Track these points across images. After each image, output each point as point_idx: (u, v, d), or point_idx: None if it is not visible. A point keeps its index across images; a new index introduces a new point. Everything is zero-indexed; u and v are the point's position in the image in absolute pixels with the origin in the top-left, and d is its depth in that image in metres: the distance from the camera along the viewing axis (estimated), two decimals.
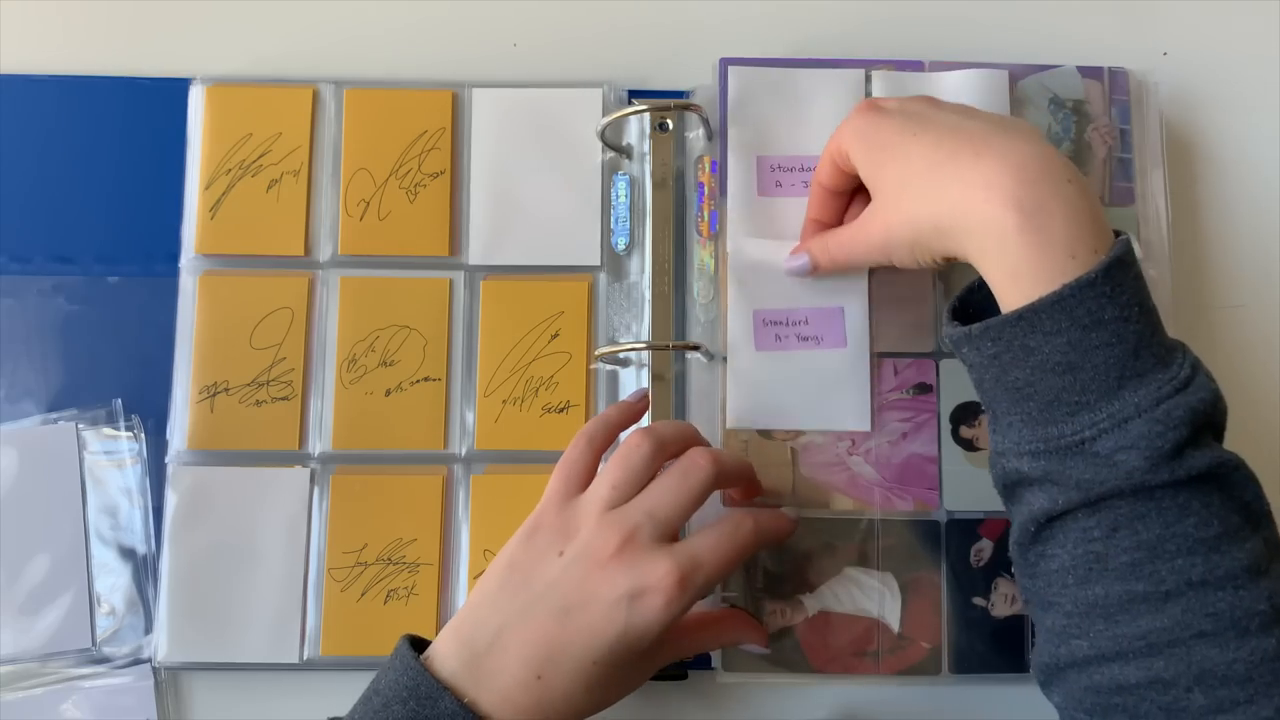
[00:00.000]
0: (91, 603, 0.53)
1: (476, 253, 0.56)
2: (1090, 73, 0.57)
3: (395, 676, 0.43)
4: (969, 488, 0.53)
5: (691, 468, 0.46)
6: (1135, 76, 0.58)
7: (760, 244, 0.54)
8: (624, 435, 0.48)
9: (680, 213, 0.56)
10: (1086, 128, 0.57)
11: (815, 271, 0.52)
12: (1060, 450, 0.40)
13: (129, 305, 0.56)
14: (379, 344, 0.55)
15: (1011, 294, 0.41)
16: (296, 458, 0.55)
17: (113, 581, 0.53)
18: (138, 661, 0.53)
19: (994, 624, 0.53)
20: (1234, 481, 0.40)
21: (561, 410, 0.55)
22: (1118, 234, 0.42)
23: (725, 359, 0.54)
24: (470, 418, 0.55)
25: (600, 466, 0.47)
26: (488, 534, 0.54)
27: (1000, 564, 0.53)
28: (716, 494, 0.51)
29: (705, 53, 0.57)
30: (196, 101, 0.57)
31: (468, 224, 0.57)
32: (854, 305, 0.54)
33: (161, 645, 0.52)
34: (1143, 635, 0.39)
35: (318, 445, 0.55)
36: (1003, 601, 0.53)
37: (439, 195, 0.57)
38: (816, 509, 0.53)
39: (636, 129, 0.57)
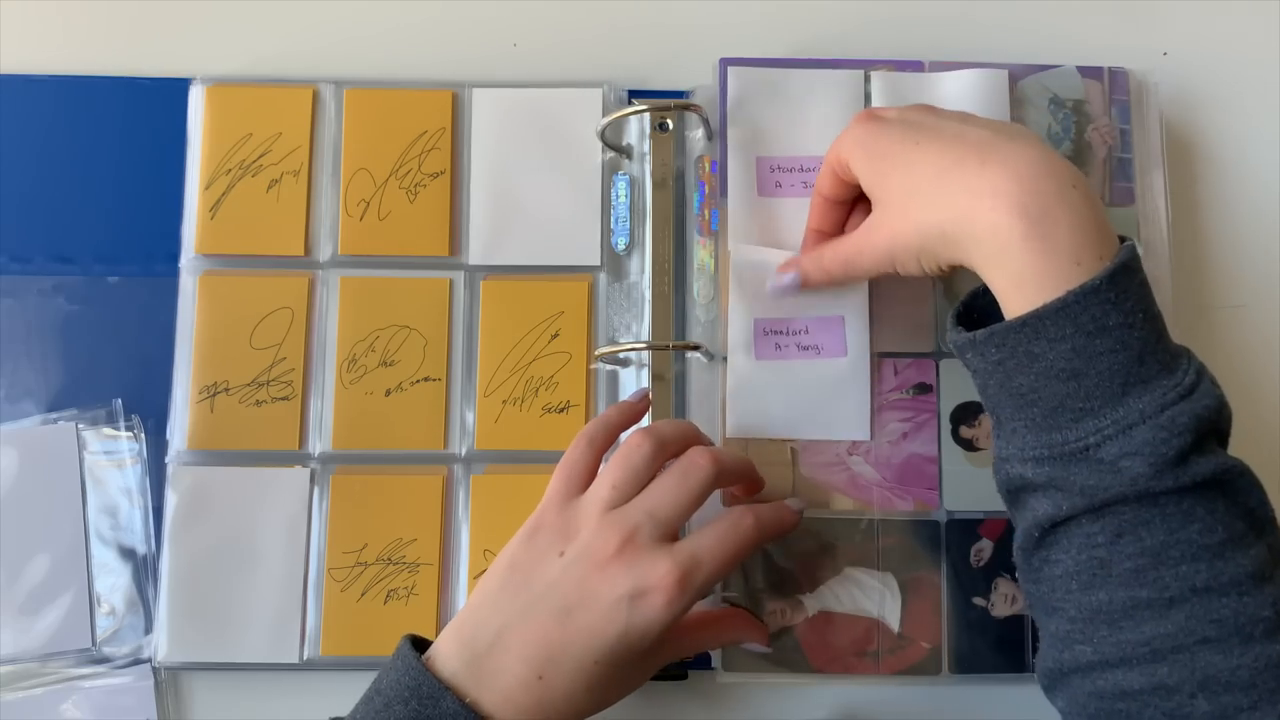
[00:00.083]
0: (91, 603, 0.53)
1: (476, 253, 0.56)
2: (1090, 73, 0.57)
3: (397, 677, 0.43)
4: (969, 488, 0.53)
5: (692, 467, 0.46)
6: (1135, 76, 0.58)
7: (761, 251, 0.54)
8: (625, 435, 0.48)
9: (680, 213, 0.56)
10: (1086, 128, 0.57)
11: (805, 287, 0.52)
12: (1064, 456, 0.40)
13: (129, 305, 0.56)
14: (379, 344, 0.55)
15: (1016, 300, 0.41)
16: (296, 458, 0.54)
17: (113, 581, 0.53)
18: (138, 661, 0.53)
19: (994, 624, 0.53)
20: (1238, 488, 0.40)
21: (561, 410, 0.55)
22: (1123, 239, 0.42)
23: (725, 359, 0.54)
24: (470, 418, 0.55)
25: (601, 467, 0.47)
26: (488, 534, 0.54)
27: (1000, 564, 0.53)
28: (717, 491, 0.51)
29: (705, 53, 0.57)
30: (196, 101, 0.57)
31: (468, 224, 0.57)
32: (854, 314, 0.54)
33: (161, 645, 0.52)
34: (1146, 641, 0.39)
35: (318, 445, 0.55)
36: (1003, 601, 0.53)
37: (439, 195, 0.57)
38: (816, 509, 0.53)
39: (636, 129, 0.57)
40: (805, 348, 0.53)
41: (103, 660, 0.53)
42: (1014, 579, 0.53)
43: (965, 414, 0.54)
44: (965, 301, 0.46)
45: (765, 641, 0.51)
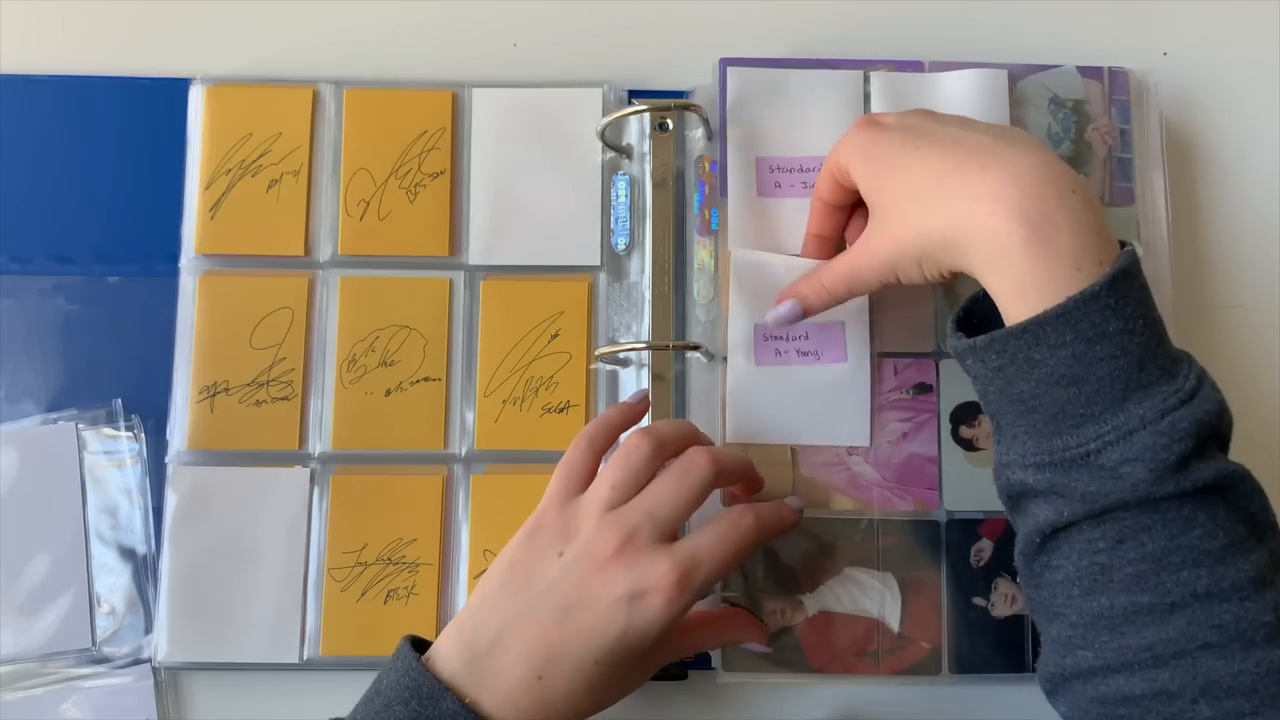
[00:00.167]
0: (91, 603, 0.53)
1: (476, 253, 0.56)
2: (1090, 73, 0.57)
3: (397, 677, 0.42)
4: (969, 488, 0.53)
5: (691, 467, 0.46)
6: (1135, 76, 0.58)
7: (761, 256, 0.54)
8: (625, 436, 0.48)
9: (680, 213, 0.56)
10: (1086, 128, 0.57)
11: (807, 314, 0.51)
12: (1065, 462, 0.40)
13: (129, 305, 0.55)
14: (379, 344, 0.55)
15: (1016, 307, 0.41)
16: (296, 458, 0.54)
17: (113, 581, 0.53)
18: (138, 661, 0.53)
19: (994, 624, 0.52)
20: (1239, 493, 0.40)
21: (561, 410, 0.55)
22: (1123, 244, 0.42)
23: (725, 359, 0.54)
24: (470, 418, 0.55)
25: (601, 467, 0.47)
26: (488, 534, 0.54)
27: (1000, 564, 0.53)
28: (717, 490, 0.51)
29: (705, 53, 0.57)
30: (196, 101, 0.57)
31: (468, 224, 0.57)
32: (854, 320, 0.54)
33: (161, 645, 0.52)
34: (1148, 647, 0.39)
35: (318, 445, 0.54)
36: (1003, 601, 0.53)
37: (439, 195, 0.57)
38: (816, 509, 0.53)
39: (636, 129, 0.57)
40: (805, 353, 0.53)
41: (103, 660, 0.53)
42: (1014, 579, 0.52)
43: (965, 414, 0.54)
44: (965, 306, 0.46)
45: (765, 641, 0.51)
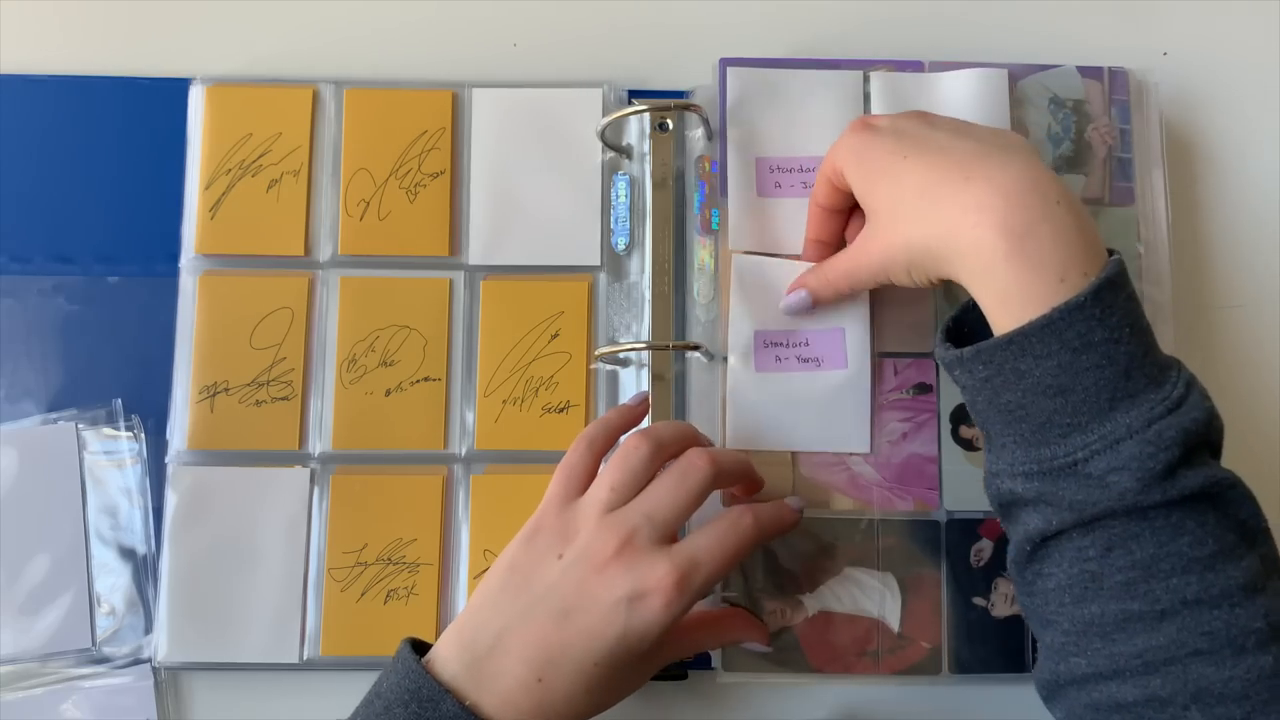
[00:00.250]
0: (91, 603, 0.53)
1: (476, 253, 0.56)
2: (1090, 73, 0.57)
3: (397, 679, 0.42)
4: (969, 488, 0.53)
5: (690, 469, 0.45)
6: (1135, 76, 0.57)
7: (763, 263, 0.54)
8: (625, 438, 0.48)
9: (680, 213, 0.56)
10: (1086, 128, 0.56)
11: (817, 304, 0.52)
12: (1053, 471, 0.40)
13: (129, 305, 0.55)
14: (379, 344, 0.55)
15: (1002, 317, 0.41)
16: (296, 458, 0.54)
17: (113, 581, 0.53)
18: (138, 661, 0.52)
19: (994, 624, 0.52)
20: (1229, 499, 0.40)
21: (561, 410, 0.55)
22: (1111, 253, 0.42)
23: (725, 359, 0.54)
24: (470, 418, 0.55)
25: (601, 468, 0.47)
26: (488, 534, 0.53)
27: (1000, 564, 0.52)
28: (717, 491, 0.51)
29: (705, 53, 0.57)
30: (196, 101, 0.57)
31: (468, 224, 0.56)
32: (855, 326, 0.53)
33: (161, 645, 0.52)
34: (1139, 654, 0.39)
35: (318, 445, 0.54)
36: (1003, 601, 0.53)
37: (439, 195, 0.56)
38: (816, 509, 0.53)
39: (636, 129, 0.57)
40: (805, 360, 0.53)
41: (103, 660, 0.52)
42: None
43: (965, 414, 0.54)
44: (955, 316, 0.46)
45: (765, 641, 0.51)
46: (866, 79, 0.56)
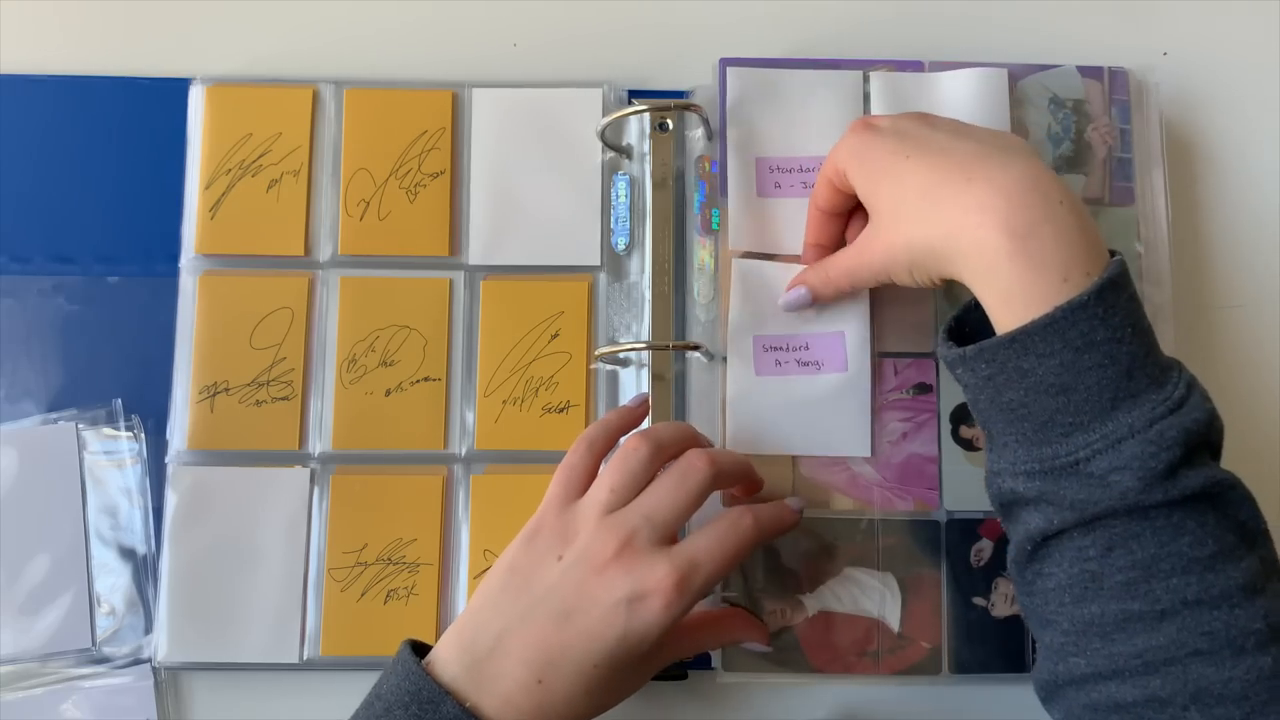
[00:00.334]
0: (91, 603, 0.53)
1: (476, 253, 0.56)
2: (1090, 73, 0.57)
3: (397, 681, 0.42)
4: (969, 488, 0.53)
5: (689, 470, 0.45)
6: (1135, 76, 0.57)
7: (764, 267, 0.54)
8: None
9: (680, 213, 0.56)
10: (1086, 127, 0.56)
11: (816, 301, 0.52)
12: (1055, 470, 0.40)
13: (129, 305, 0.55)
14: (379, 344, 0.55)
15: (1005, 316, 0.41)
16: (296, 458, 0.54)
17: (113, 581, 0.53)
18: (138, 661, 0.52)
19: (994, 624, 0.52)
20: (1229, 500, 0.40)
21: (561, 410, 0.55)
22: (1113, 253, 0.42)
23: (725, 359, 0.53)
24: (470, 418, 0.55)
25: (602, 469, 0.47)
26: (488, 534, 0.53)
27: (1000, 564, 0.52)
28: (717, 491, 0.51)
29: (705, 53, 0.57)
30: (196, 101, 0.56)
31: (468, 224, 0.56)
32: (855, 330, 0.53)
33: (161, 645, 0.52)
34: (1139, 654, 0.39)
35: (318, 445, 0.54)
36: (1003, 601, 0.52)
37: (439, 195, 0.56)
38: (816, 509, 0.52)
39: (636, 129, 0.57)
40: (805, 363, 0.53)
41: (103, 660, 0.52)
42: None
43: (965, 414, 0.54)
44: (957, 315, 0.46)
45: (765, 641, 0.51)
46: (866, 79, 0.56)
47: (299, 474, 0.53)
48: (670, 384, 0.53)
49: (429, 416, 0.54)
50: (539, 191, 0.56)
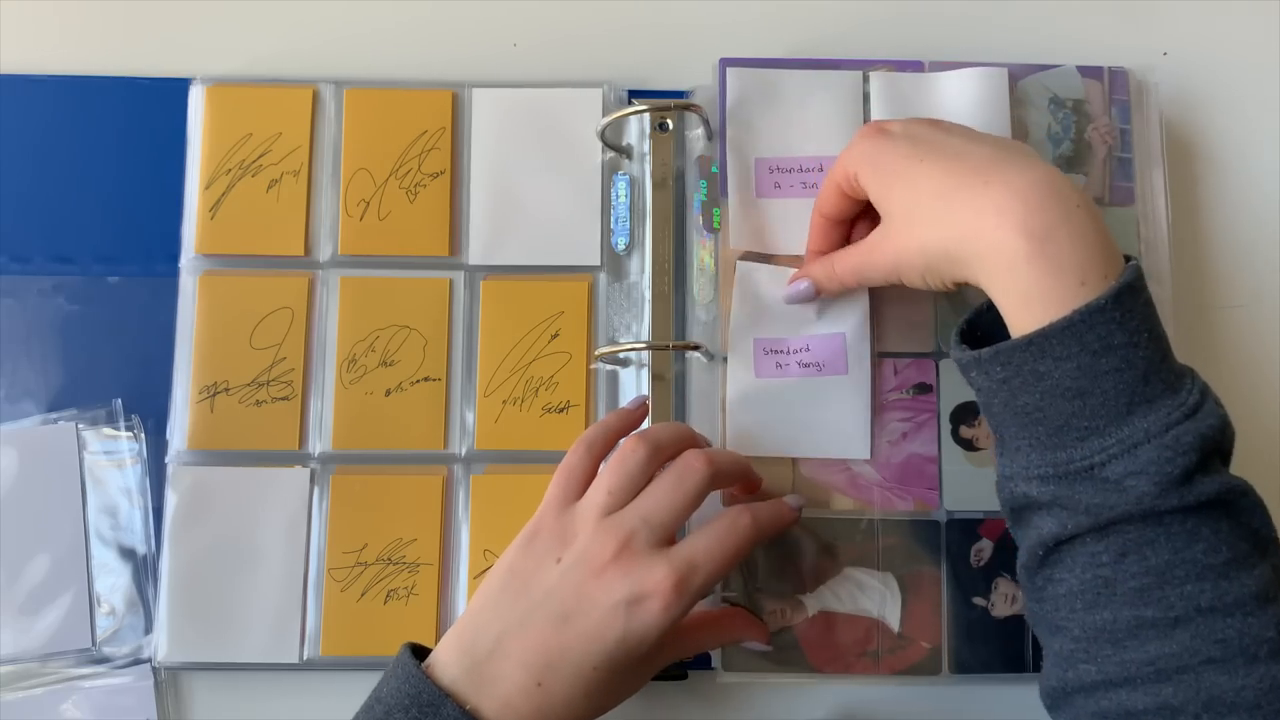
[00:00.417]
0: (91, 603, 0.52)
1: (476, 253, 0.56)
2: (1090, 73, 0.57)
3: (397, 684, 0.42)
4: (969, 488, 0.53)
5: (687, 471, 0.45)
6: (1135, 76, 0.57)
7: (764, 270, 0.54)
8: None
9: (680, 213, 0.56)
10: (1086, 127, 0.56)
11: (819, 295, 0.52)
12: (1069, 475, 0.40)
13: (129, 305, 0.55)
14: (379, 344, 0.55)
15: (1022, 319, 0.41)
16: (296, 458, 0.54)
17: (113, 581, 0.53)
18: (138, 661, 0.52)
19: (994, 624, 0.52)
20: (1242, 508, 0.39)
21: (561, 410, 0.54)
22: (1128, 259, 0.42)
23: (725, 359, 0.53)
24: (470, 418, 0.54)
25: (602, 468, 0.47)
26: (488, 534, 0.53)
27: (1000, 564, 0.52)
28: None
29: (705, 53, 0.56)
30: (196, 101, 0.56)
31: (468, 224, 0.56)
32: (855, 331, 0.53)
33: (161, 645, 0.51)
34: (1151, 661, 0.38)
35: (318, 445, 0.54)
36: (1003, 601, 0.52)
37: (439, 195, 0.56)
38: (816, 509, 0.52)
39: (636, 129, 0.57)
40: (806, 365, 0.53)
41: (103, 660, 0.52)
42: (1014, 579, 0.52)
43: (965, 414, 0.53)
44: (970, 318, 0.46)
45: (766, 640, 0.51)
46: (866, 79, 0.56)
47: (299, 474, 0.53)
48: (670, 384, 0.53)
49: (429, 416, 0.54)
50: (539, 191, 0.56)
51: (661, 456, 0.46)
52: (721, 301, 0.54)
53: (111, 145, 0.56)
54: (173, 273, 0.55)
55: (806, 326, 0.53)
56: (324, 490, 0.53)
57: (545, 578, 0.43)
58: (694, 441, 0.48)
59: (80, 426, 0.54)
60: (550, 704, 0.41)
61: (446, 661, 0.42)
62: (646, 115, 0.55)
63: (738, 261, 0.54)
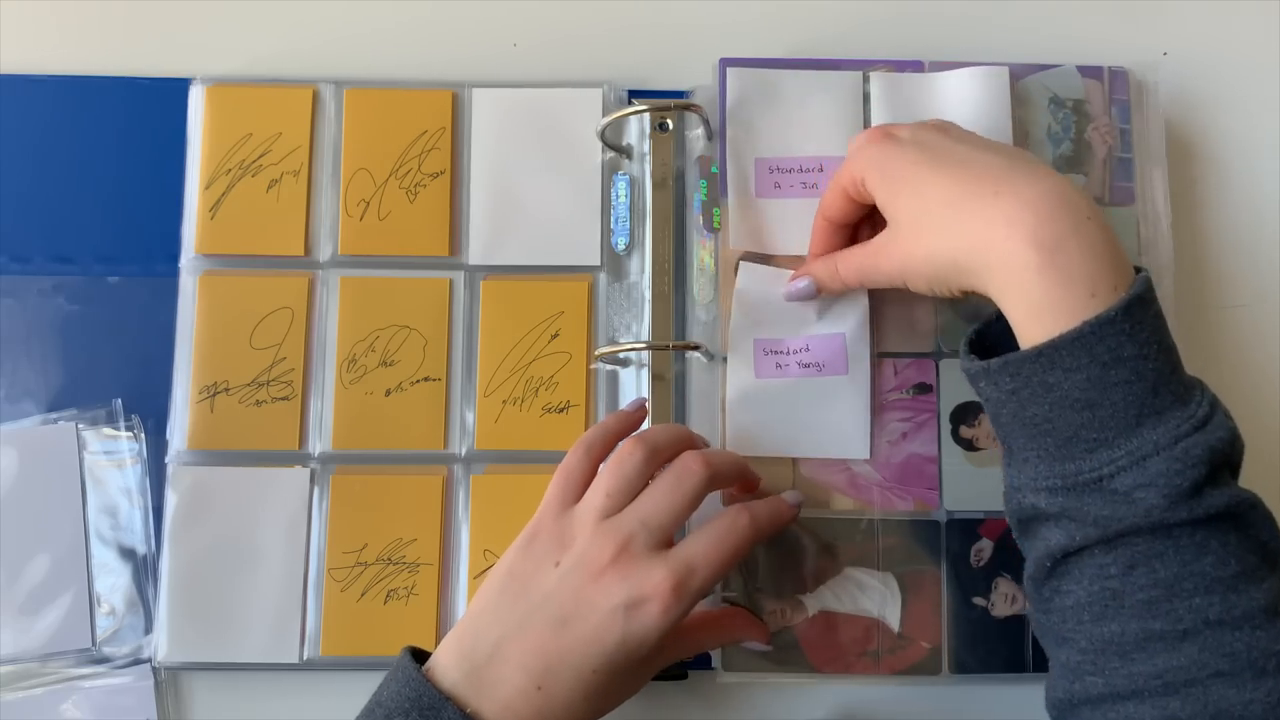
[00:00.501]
0: (91, 603, 0.52)
1: (476, 253, 0.55)
2: (1090, 72, 0.56)
3: (397, 688, 0.42)
4: (969, 488, 0.52)
5: (685, 473, 0.45)
6: (1135, 76, 0.57)
7: (765, 271, 0.53)
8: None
9: (680, 213, 0.55)
10: (1086, 127, 0.56)
11: (820, 294, 0.51)
12: (1078, 486, 0.40)
13: (129, 305, 0.54)
14: (379, 344, 0.55)
15: (1032, 330, 0.40)
16: (296, 458, 0.54)
17: (113, 581, 0.53)
18: (138, 661, 0.52)
19: (994, 624, 0.52)
20: (1251, 521, 0.39)
21: (561, 410, 0.54)
22: (1137, 270, 0.41)
23: (725, 359, 0.53)
24: (470, 418, 0.54)
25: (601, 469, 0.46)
26: (488, 534, 0.53)
27: (1000, 564, 0.52)
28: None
29: (705, 53, 0.56)
30: (196, 101, 0.56)
31: (468, 224, 0.56)
32: (855, 332, 0.53)
33: (161, 645, 0.51)
34: (1159, 674, 0.38)
35: (318, 445, 0.54)
36: (1003, 601, 0.52)
37: (439, 195, 0.56)
38: (817, 509, 0.52)
39: (636, 129, 0.56)
40: (806, 365, 0.53)
41: (103, 660, 0.52)
42: (1014, 579, 0.52)
43: (965, 414, 0.53)
44: (979, 329, 0.45)
45: (766, 640, 0.50)
46: (866, 79, 0.56)
47: (299, 474, 0.53)
48: (670, 384, 0.53)
49: (429, 416, 0.54)
50: (539, 191, 0.56)
51: (659, 458, 0.46)
52: (721, 301, 0.54)
53: (111, 145, 0.56)
54: (173, 273, 0.55)
55: (806, 327, 0.53)
56: (324, 490, 0.53)
57: (544, 581, 0.43)
58: (692, 443, 0.47)
59: (80, 426, 0.54)
60: (550, 707, 0.41)
61: (446, 665, 0.42)
62: (646, 115, 0.55)
63: (738, 261, 0.54)
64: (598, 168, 0.56)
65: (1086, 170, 0.55)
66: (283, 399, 0.54)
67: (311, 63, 0.58)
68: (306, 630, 0.52)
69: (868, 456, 0.52)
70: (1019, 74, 0.55)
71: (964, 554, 0.52)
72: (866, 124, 0.55)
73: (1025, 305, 0.41)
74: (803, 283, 0.51)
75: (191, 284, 0.54)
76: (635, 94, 0.57)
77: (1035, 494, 0.41)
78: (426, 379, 0.54)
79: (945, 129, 0.47)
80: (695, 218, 0.55)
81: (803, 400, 0.52)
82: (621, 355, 0.54)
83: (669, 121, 0.55)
